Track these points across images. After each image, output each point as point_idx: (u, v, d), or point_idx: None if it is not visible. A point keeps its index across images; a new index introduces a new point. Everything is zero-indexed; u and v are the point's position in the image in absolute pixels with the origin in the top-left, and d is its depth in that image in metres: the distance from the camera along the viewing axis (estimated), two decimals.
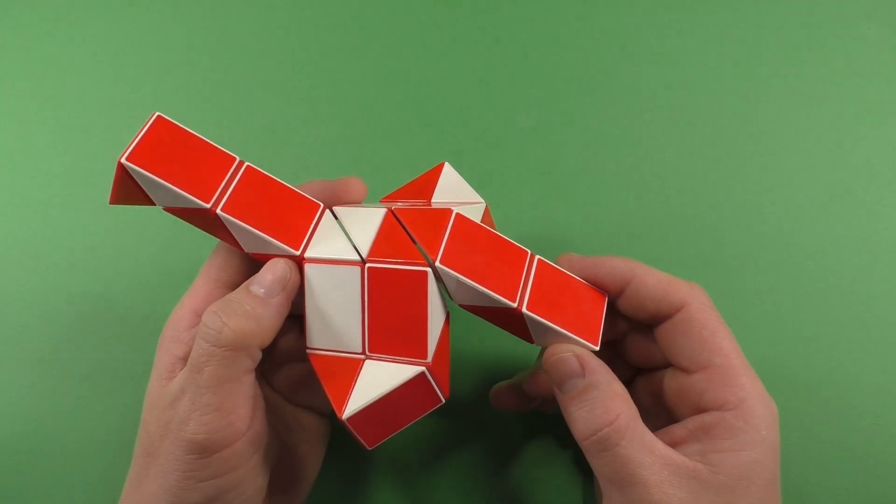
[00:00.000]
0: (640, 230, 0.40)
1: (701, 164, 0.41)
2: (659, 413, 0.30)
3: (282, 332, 0.29)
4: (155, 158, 0.26)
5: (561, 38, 0.44)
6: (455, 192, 0.32)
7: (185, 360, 0.28)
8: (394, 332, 0.27)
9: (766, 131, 0.41)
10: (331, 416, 0.33)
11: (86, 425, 0.37)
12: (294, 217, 0.28)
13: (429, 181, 0.32)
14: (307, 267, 0.28)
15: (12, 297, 0.39)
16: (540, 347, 0.30)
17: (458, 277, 0.26)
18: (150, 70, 0.44)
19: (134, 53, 0.44)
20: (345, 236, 0.28)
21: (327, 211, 0.29)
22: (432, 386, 0.26)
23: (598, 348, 0.27)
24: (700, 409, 0.27)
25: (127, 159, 0.26)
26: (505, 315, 0.27)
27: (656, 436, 0.26)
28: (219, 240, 0.30)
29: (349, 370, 0.27)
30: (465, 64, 0.44)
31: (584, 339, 0.27)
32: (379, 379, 0.26)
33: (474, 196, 0.33)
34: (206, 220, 0.28)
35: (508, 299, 0.26)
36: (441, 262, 0.26)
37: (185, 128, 0.28)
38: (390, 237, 0.28)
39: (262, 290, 0.27)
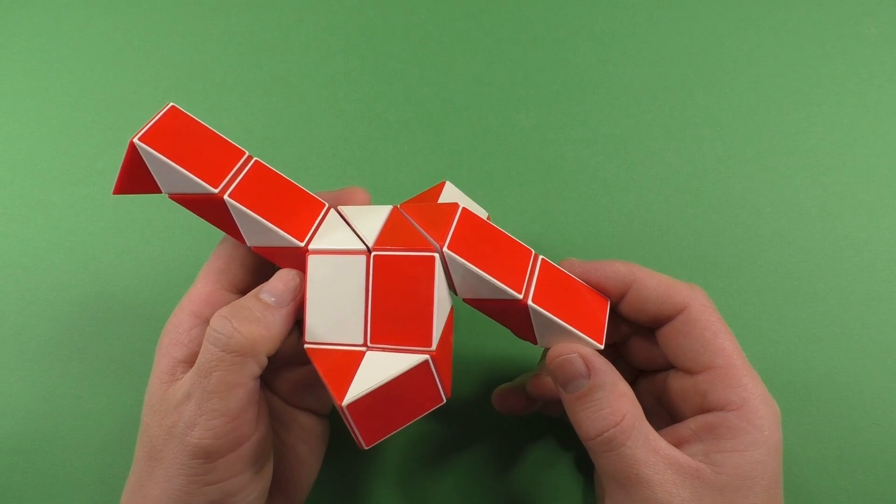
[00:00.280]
0: (640, 230, 0.40)
1: (701, 164, 0.41)
2: (660, 414, 0.30)
3: None
4: (167, 142, 0.27)
5: (561, 38, 0.44)
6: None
7: (185, 362, 0.28)
8: (398, 320, 0.26)
9: (765, 131, 0.42)
10: (330, 417, 0.33)
11: (86, 425, 0.37)
12: (300, 211, 0.28)
13: (430, 198, 0.32)
14: (310, 259, 0.27)
15: (12, 297, 0.39)
16: (542, 349, 0.30)
17: (465, 264, 0.26)
18: (150, 70, 0.44)
19: (134, 54, 0.44)
20: (350, 230, 0.28)
21: (332, 209, 0.29)
22: (435, 379, 0.26)
23: (602, 346, 0.27)
24: (703, 410, 0.27)
25: (140, 139, 0.26)
26: (509, 310, 0.27)
27: (660, 435, 0.26)
28: (218, 243, 0.30)
29: (350, 362, 0.27)
30: (465, 64, 0.44)
31: (589, 337, 0.27)
32: (381, 367, 0.26)
33: (477, 208, 0.33)
34: (211, 208, 0.27)
35: (515, 290, 0.26)
36: (449, 248, 0.26)
37: (198, 119, 0.28)
38: (396, 228, 0.28)
39: (273, 299, 0.27)
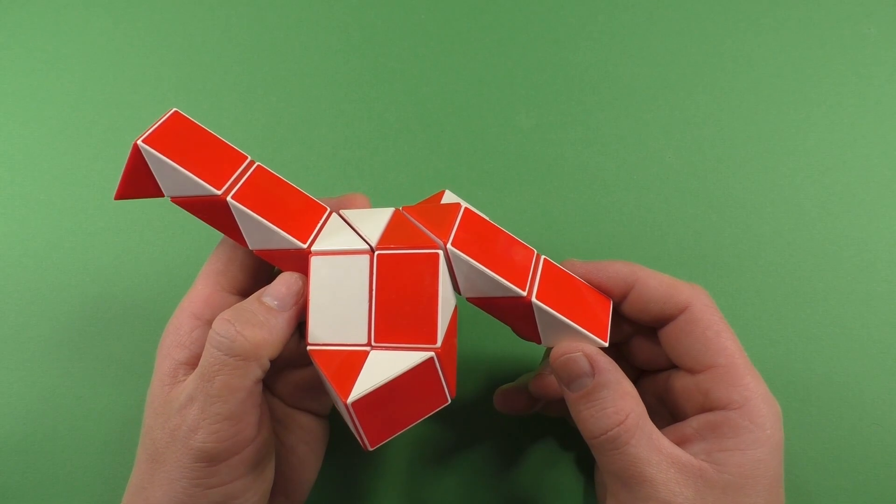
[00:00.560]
0: (640, 230, 0.40)
1: (701, 164, 0.41)
2: (663, 413, 0.30)
3: None
4: (170, 145, 0.27)
5: (561, 38, 0.44)
6: None
7: (187, 364, 0.28)
8: (403, 319, 0.26)
9: (765, 131, 0.42)
10: (330, 417, 0.33)
11: (86, 425, 0.37)
12: (302, 214, 0.28)
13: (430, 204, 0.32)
14: (313, 261, 0.27)
15: (12, 297, 0.39)
16: (545, 348, 0.30)
17: (469, 261, 0.26)
18: (150, 70, 0.44)
19: (134, 54, 0.44)
20: (352, 232, 0.28)
21: (334, 213, 0.29)
22: (440, 376, 0.26)
23: (606, 344, 0.27)
24: (705, 409, 0.27)
25: (143, 141, 0.26)
26: (513, 308, 0.27)
27: (663, 434, 0.26)
28: (217, 243, 0.30)
29: (354, 361, 0.27)
30: (465, 64, 0.44)
31: (594, 335, 0.27)
32: (386, 365, 0.26)
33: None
34: (214, 211, 0.27)
35: (519, 287, 0.26)
36: (453, 245, 0.26)
37: (200, 124, 0.28)
38: (399, 228, 0.28)
39: (276, 303, 0.27)
